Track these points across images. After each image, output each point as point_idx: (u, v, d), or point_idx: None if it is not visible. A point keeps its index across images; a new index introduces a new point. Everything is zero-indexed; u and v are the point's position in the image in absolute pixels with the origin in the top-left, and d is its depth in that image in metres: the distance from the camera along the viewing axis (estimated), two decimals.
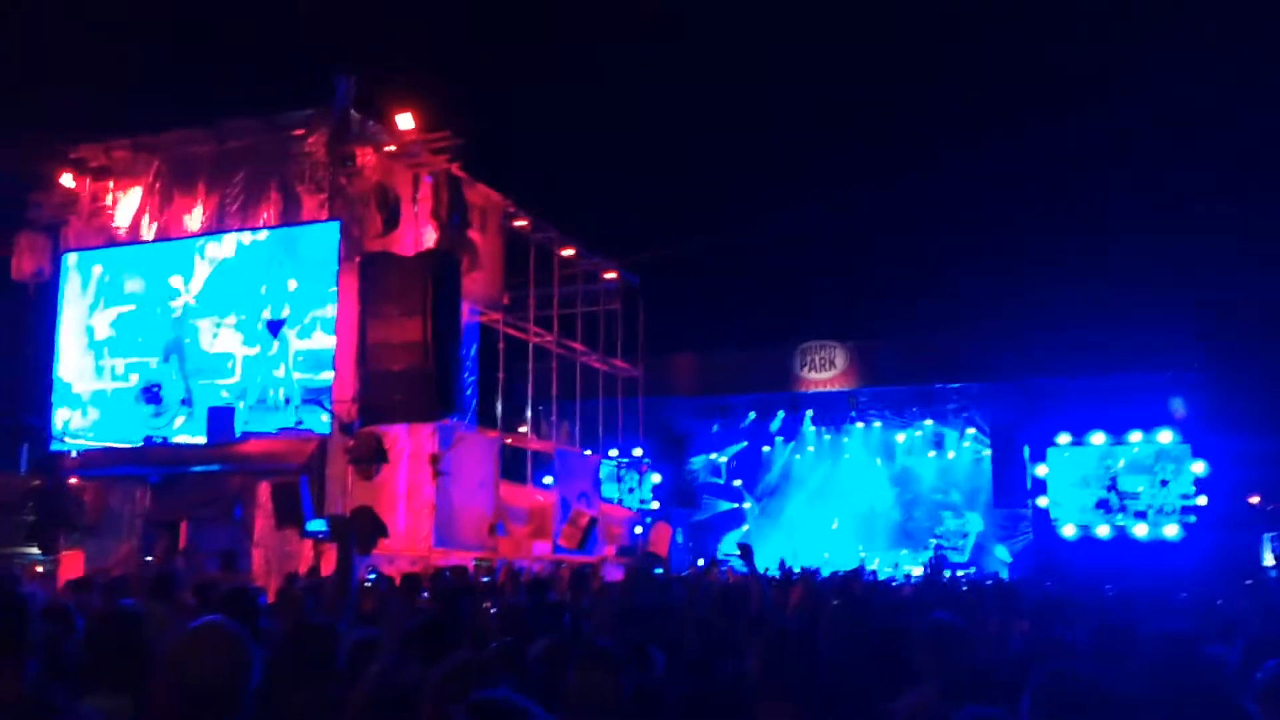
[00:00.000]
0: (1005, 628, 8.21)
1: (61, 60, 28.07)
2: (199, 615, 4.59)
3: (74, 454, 21.04)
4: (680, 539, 32.38)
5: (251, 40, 30.69)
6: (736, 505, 36.14)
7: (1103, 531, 29.89)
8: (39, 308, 21.70)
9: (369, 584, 12.49)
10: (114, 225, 21.54)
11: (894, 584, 19.95)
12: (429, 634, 6.37)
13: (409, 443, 20.21)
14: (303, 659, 4.21)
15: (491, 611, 8.69)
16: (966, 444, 33.92)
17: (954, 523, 33.89)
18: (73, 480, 20.91)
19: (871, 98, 36.97)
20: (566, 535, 22.62)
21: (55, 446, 21.09)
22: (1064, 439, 31.00)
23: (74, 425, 20.94)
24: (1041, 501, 30.81)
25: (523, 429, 25.03)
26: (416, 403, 18.01)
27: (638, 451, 29.86)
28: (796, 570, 17.36)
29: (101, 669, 4.01)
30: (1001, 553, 31.81)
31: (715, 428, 35.43)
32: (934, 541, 33.17)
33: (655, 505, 31.32)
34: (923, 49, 36.28)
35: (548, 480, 25.50)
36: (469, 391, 21.72)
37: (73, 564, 19.23)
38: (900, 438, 34.79)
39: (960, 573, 28.02)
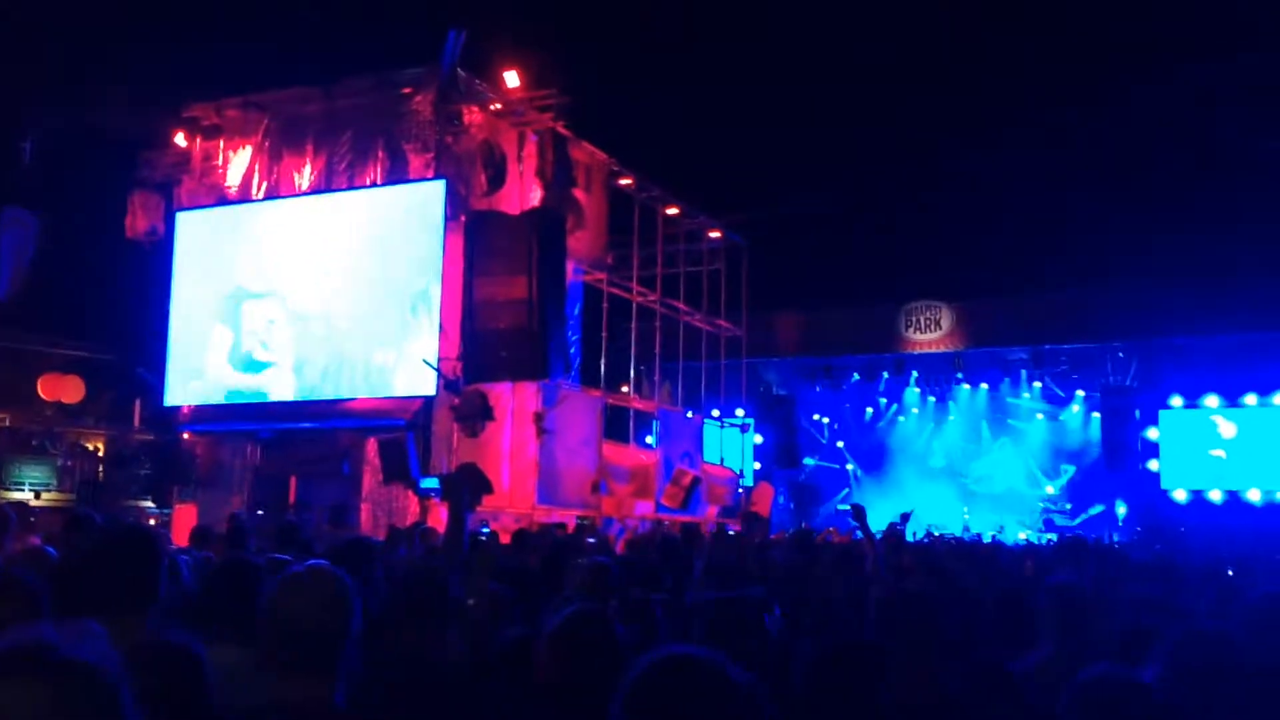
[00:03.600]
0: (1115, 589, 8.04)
1: (171, 18, 28.44)
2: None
3: (186, 409, 21.47)
4: (782, 500, 32.25)
5: None
6: (839, 467, 35.85)
7: (1215, 495, 29.17)
8: (152, 265, 22.13)
9: (483, 537, 12.56)
10: (225, 184, 21.84)
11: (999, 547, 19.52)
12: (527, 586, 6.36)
13: (513, 401, 20.30)
14: (413, 601, 4.20)
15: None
16: (1076, 407, 33.17)
17: (1062, 487, 33.23)
18: (185, 435, 21.40)
19: (977, 49, 36.09)
20: (669, 495, 22.61)
21: (168, 402, 21.54)
22: (1177, 401, 30.25)
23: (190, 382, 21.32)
24: (1153, 465, 30.13)
25: (625, 388, 25.02)
26: (521, 361, 18.05)
27: (740, 412, 29.71)
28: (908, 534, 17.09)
29: (219, 618, 4.01)
30: (1120, 511, 31.05)
31: (818, 388, 35.13)
32: (1041, 505, 32.61)
33: (757, 466, 31.18)
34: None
35: (650, 440, 25.48)
36: (573, 350, 21.72)
37: (186, 517, 19.68)
38: (1008, 400, 34.14)
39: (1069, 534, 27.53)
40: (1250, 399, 29.61)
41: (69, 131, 26.59)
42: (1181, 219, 30.31)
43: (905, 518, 9.95)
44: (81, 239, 26.17)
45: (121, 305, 23.14)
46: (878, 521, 13.52)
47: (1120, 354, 30.69)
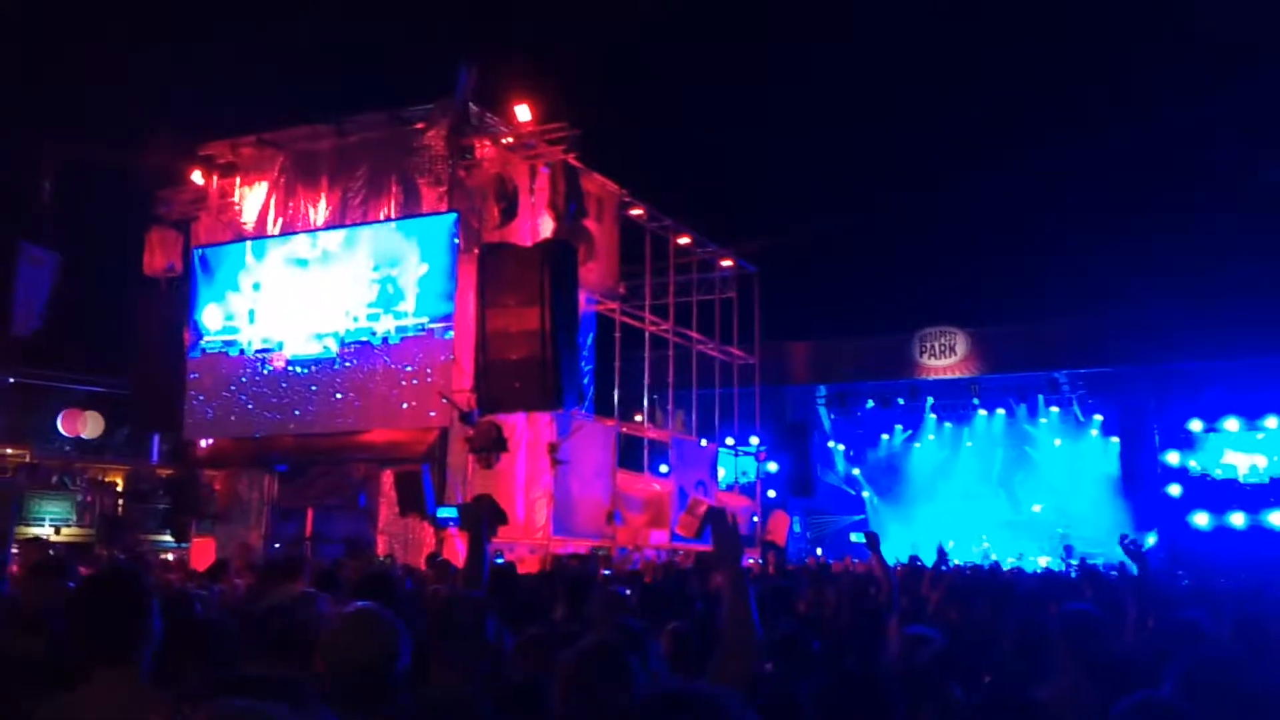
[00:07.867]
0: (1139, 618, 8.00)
1: (188, 59, 28.80)
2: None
3: (204, 444, 21.61)
4: (797, 528, 32.15)
5: (370, 32, 31.15)
6: (855, 494, 35.75)
7: (1238, 521, 28.91)
8: (170, 301, 22.33)
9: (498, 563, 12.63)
10: (241, 220, 22.05)
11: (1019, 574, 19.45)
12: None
13: (527, 432, 20.34)
14: (452, 632, 4.13)
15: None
16: (1094, 432, 33.01)
17: (1081, 513, 32.97)
18: (203, 470, 21.53)
19: (990, 77, 36.25)
20: (684, 524, 22.43)
21: (186, 436, 21.69)
22: (1196, 425, 30.04)
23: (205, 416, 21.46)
24: (1173, 490, 29.90)
25: (639, 418, 25.04)
26: (534, 391, 18.10)
27: (754, 440, 29.68)
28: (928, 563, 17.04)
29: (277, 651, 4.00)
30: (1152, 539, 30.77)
31: (833, 416, 35.08)
32: (1060, 531, 32.39)
33: (772, 494, 31.12)
34: (1039, 23, 35.44)
35: (664, 469, 25.48)
36: (586, 380, 21.77)
37: (203, 551, 19.76)
38: (1025, 425, 34.00)
39: (1089, 562, 27.31)
40: (1271, 421, 29.40)
41: (88, 170, 26.89)
42: (1198, 242, 30.28)
43: (941, 553, 10.05)
44: (100, 275, 26.41)
45: (140, 341, 23.26)
46: (895, 550, 13.61)
47: (1136, 378, 30.54)
